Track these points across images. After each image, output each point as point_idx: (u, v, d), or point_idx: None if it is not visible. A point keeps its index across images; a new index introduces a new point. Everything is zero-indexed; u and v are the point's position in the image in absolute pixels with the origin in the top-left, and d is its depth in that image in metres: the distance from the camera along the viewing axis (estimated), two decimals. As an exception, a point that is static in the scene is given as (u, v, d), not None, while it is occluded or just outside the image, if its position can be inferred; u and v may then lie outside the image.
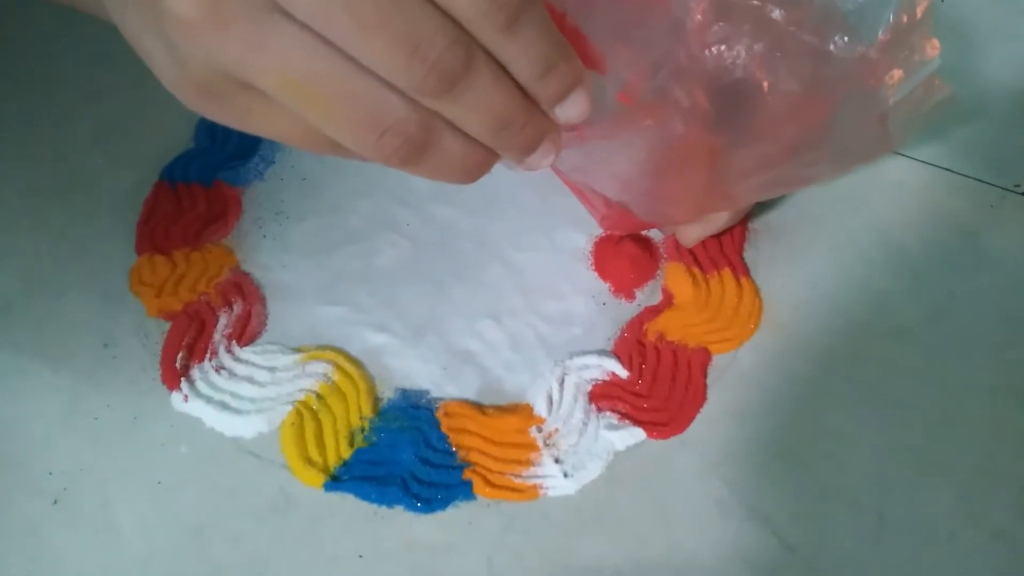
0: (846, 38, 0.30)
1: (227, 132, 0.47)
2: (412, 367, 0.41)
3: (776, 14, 0.30)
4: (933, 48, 0.32)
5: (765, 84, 0.30)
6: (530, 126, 0.25)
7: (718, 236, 0.44)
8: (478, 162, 0.26)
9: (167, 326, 0.41)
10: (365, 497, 0.37)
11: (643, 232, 0.45)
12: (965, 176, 0.48)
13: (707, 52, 0.30)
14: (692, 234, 0.42)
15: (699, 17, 0.29)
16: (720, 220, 0.42)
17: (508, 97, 0.24)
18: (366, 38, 0.21)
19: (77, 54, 0.52)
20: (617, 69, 0.28)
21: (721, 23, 0.29)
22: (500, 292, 0.43)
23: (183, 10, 0.21)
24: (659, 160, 0.33)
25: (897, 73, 0.32)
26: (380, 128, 0.23)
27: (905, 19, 0.31)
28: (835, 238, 0.45)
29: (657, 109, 0.30)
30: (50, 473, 0.37)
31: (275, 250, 0.44)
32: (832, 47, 0.30)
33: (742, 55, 0.30)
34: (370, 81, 0.22)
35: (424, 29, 0.21)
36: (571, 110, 0.26)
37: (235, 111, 0.25)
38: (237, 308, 0.41)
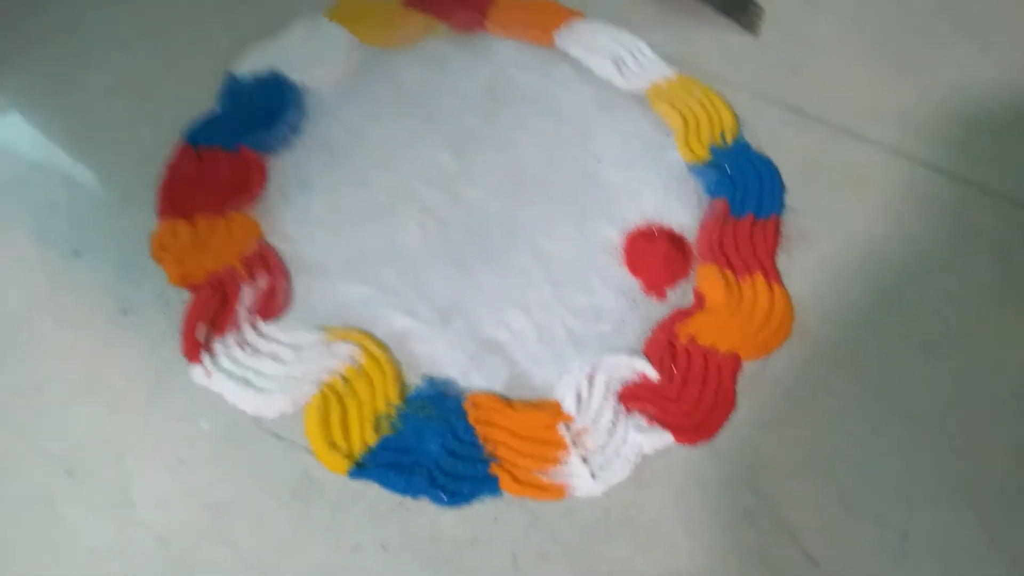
0: None
1: (252, 96, 0.46)
2: (439, 354, 0.39)
3: None
4: None
5: None
6: None
7: (752, 240, 0.44)
8: None
9: (188, 295, 0.39)
10: (390, 486, 0.36)
11: (675, 229, 0.44)
12: (998, 195, 0.47)
13: None
14: None
15: None
16: None
17: None
18: None
19: None
20: None
21: None
22: (529, 281, 0.42)
23: None
24: None
25: None
26: None
27: None
28: (867, 249, 0.45)
29: None
30: (65, 442, 0.35)
31: (301, 223, 0.42)
32: None
33: None
34: None
35: None
36: None
37: None
38: (262, 282, 0.40)
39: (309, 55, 0.48)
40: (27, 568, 0.33)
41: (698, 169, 0.47)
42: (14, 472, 0.35)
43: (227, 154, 0.43)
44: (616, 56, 0.51)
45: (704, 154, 0.47)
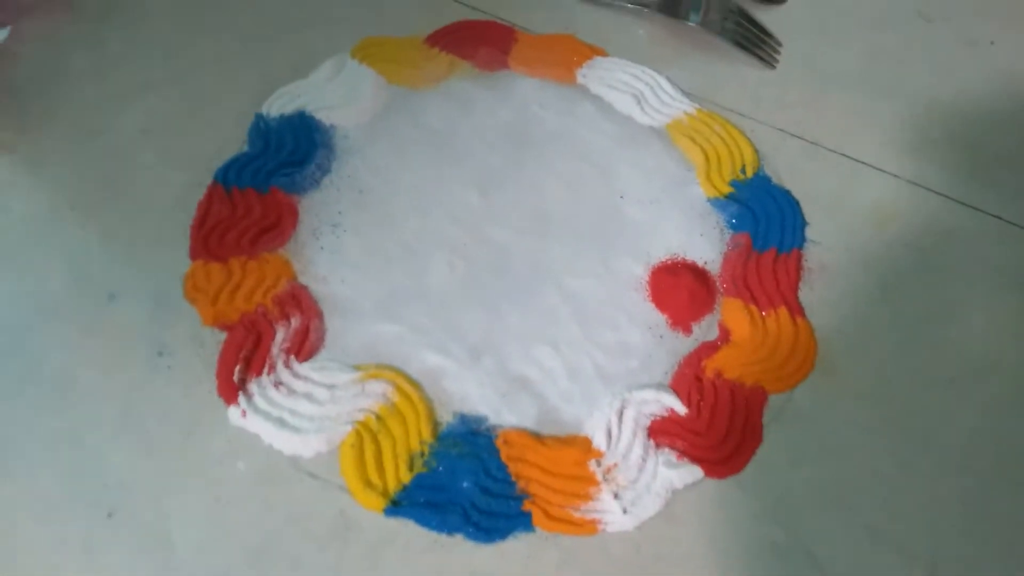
0: None
1: (281, 137, 0.47)
2: (470, 391, 0.40)
3: None
4: None
5: None
6: None
7: (774, 274, 0.45)
8: None
9: (223, 336, 0.40)
10: (426, 524, 0.36)
11: (699, 264, 0.45)
12: (1016, 226, 0.48)
13: None
14: None
15: None
16: None
17: None
18: None
19: (125, 42, 0.51)
20: None
21: None
22: (556, 319, 0.42)
23: None
24: None
25: None
26: None
27: None
28: (888, 281, 0.46)
29: None
30: (104, 485, 0.36)
31: (332, 263, 0.43)
32: None
33: None
34: None
35: None
36: None
37: None
38: (295, 322, 0.40)
39: (337, 95, 0.48)
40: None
41: (720, 203, 0.48)
42: (55, 518, 0.35)
43: (258, 195, 0.44)
44: (637, 92, 0.52)
45: (725, 188, 0.48)
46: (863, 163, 0.51)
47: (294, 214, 0.44)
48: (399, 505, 0.37)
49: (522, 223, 0.45)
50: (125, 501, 0.36)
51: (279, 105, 0.48)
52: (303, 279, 0.42)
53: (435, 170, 0.47)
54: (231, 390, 0.38)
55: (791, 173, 0.50)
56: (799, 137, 0.52)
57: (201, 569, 0.35)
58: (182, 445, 0.37)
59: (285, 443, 0.37)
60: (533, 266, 0.44)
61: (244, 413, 0.38)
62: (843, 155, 0.51)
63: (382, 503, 0.36)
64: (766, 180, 0.49)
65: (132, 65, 0.50)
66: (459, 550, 0.36)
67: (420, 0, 0.56)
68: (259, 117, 0.47)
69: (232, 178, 0.45)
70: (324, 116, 0.48)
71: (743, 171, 0.49)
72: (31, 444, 0.37)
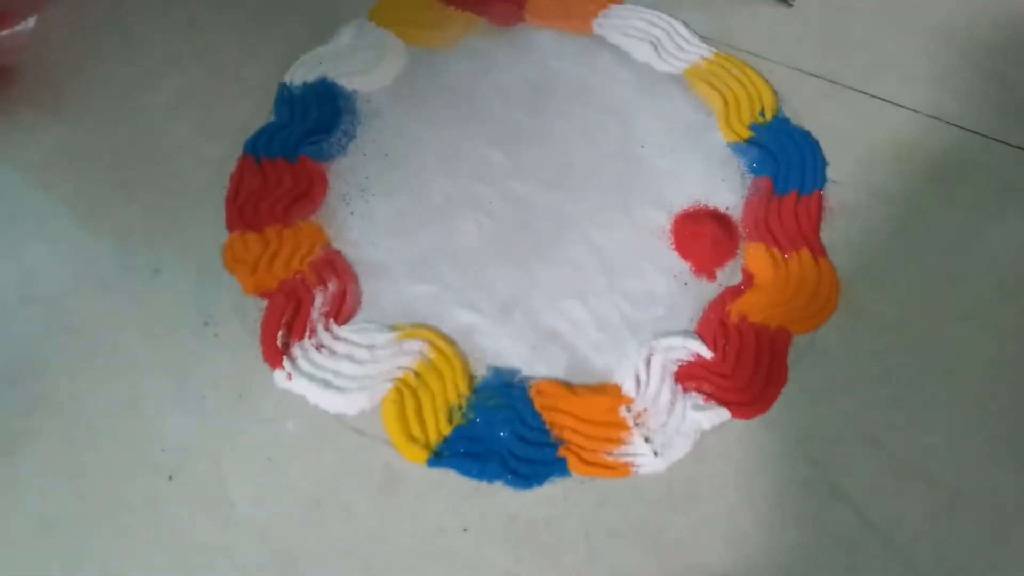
0: None
1: (305, 105, 0.48)
2: (502, 346, 0.42)
3: None
4: None
5: None
6: None
7: (796, 216, 0.45)
8: None
9: (264, 304, 0.42)
10: (467, 473, 0.38)
11: (721, 209, 0.46)
12: (1038, 155, 0.48)
13: None
14: None
15: None
16: None
17: None
18: None
19: (148, 21, 0.52)
20: None
21: None
22: (583, 271, 0.44)
23: None
24: None
25: None
26: None
27: None
28: (910, 217, 0.46)
29: None
30: (163, 450, 0.38)
31: (363, 228, 0.44)
32: None
33: None
34: None
35: None
36: None
37: None
38: (332, 287, 0.42)
39: (357, 60, 0.49)
40: (143, 571, 0.36)
41: (740, 148, 0.48)
42: (120, 482, 0.37)
43: (288, 164, 0.45)
44: (654, 39, 0.52)
45: (745, 132, 0.49)
46: (883, 100, 0.51)
47: (324, 181, 0.46)
48: (441, 456, 0.39)
49: (546, 178, 0.46)
50: (184, 464, 0.38)
51: (302, 73, 0.49)
52: (336, 244, 0.44)
53: (458, 129, 0.48)
54: (276, 355, 0.40)
55: (810, 113, 0.50)
56: (817, 76, 0.52)
57: (259, 522, 0.37)
58: (233, 409, 0.39)
59: (330, 402, 0.39)
60: (558, 220, 0.45)
61: (289, 376, 0.40)
62: (862, 92, 0.51)
63: (425, 455, 0.38)
64: (785, 122, 0.50)
65: (157, 43, 0.51)
66: (500, 496, 0.38)
67: (434, -42, 0.56)
68: (283, 86, 0.48)
69: (261, 148, 0.46)
70: (346, 82, 0.49)
71: (762, 114, 0.50)
72: (92, 414, 0.39)
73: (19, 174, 0.46)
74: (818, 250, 0.45)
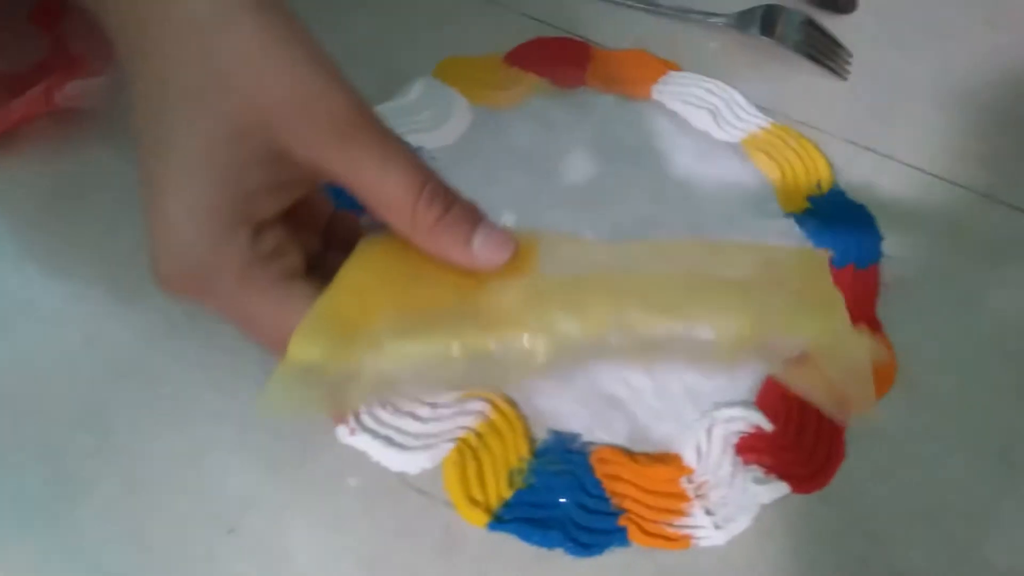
0: None
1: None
2: (562, 409, 0.42)
3: None
4: None
5: None
6: None
7: (853, 290, 0.46)
8: None
9: (327, 357, 0.42)
10: (527, 539, 0.38)
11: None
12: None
13: None
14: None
15: None
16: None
17: None
18: None
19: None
20: None
21: None
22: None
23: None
24: None
25: None
26: None
27: None
28: (965, 295, 0.47)
29: None
30: (225, 501, 0.38)
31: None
32: None
33: None
34: None
35: None
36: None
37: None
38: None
39: (423, 117, 0.50)
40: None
41: (798, 219, 0.49)
42: (180, 532, 0.37)
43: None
44: (712, 107, 0.53)
45: (803, 204, 0.49)
46: (937, 175, 0.52)
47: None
48: (502, 520, 0.38)
49: (614, 224, 0.47)
50: (245, 517, 0.38)
51: (370, 127, 0.49)
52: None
53: (522, 189, 0.48)
54: (339, 409, 0.40)
55: (865, 186, 0.51)
56: (871, 150, 0.53)
57: (320, 580, 0.37)
58: (297, 463, 0.39)
59: (392, 460, 0.39)
60: (618, 278, 0.45)
61: (352, 431, 0.40)
62: (916, 168, 0.52)
63: (486, 518, 0.38)
64: (841, 194, 0.50)
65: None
66: (559, 563, 0.38)
67: (495, 20, 0.57)
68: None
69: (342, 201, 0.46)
70: (412, 139, 0.49)
71: (819, 186, 0.50)
72: (156, 460, 0.39)
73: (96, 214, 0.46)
74: (875, 325, 0.45)
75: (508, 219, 0.47)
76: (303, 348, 0.30)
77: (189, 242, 0.29)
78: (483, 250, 0.31)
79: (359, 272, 0.33)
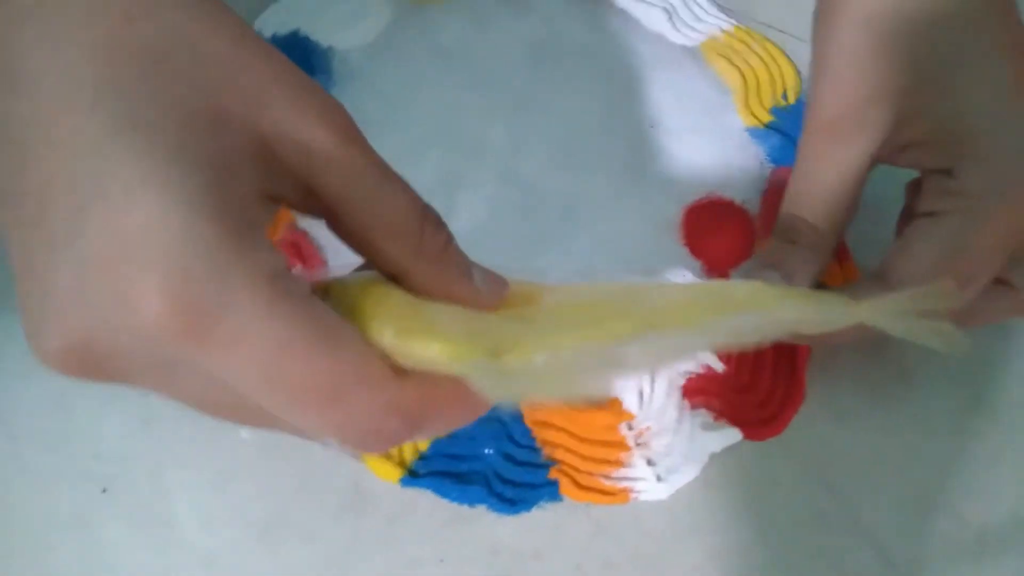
0: None
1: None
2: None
3: None
4: None
5: None
6: None
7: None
8: None
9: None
10: (445, 495, 0.34)
11: (736, 202, 0.42)
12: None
13: None
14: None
15: None
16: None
17: None
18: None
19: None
20: None
21: None
22: (588, 265, 0.39)
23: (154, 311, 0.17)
24: None
25: None
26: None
27: None
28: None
29: None
30: (97, 457, 0.33)
31: (337, 206, 0.39)
32: None
33: None
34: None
35: None
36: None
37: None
38: (296, 273, 0.37)
39: (335, 12, 0.44)
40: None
41: (759, 133, 0.44)
42: (46, 492, 0.33)
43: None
44: (668, 6, 0.47)
45: (765, 116, 0.44)
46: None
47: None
48: (416, 475, 0.34)
49: (550, 158, 0.41)
50: (120, 474, 0.34)
51: (271, 25, 0.43)
52: (302, 224, 0.38)
53: (451, 97, 0.42)
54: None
55: (836, 97, 0.46)
56: (845, 56, 0.47)
57: (208, 546, 0.33)
58: (179, 414, 0.33)
59: (292, 408, 0.35)
60: (563, 207, 0.40)
61: (246, 375, 0.35)
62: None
63: (398, 473, 0.34)
64: (809, 106, 0.45)
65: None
66: (481, 522, 0.34)
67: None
68: (251, 39, 0.43)
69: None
70: (321, 37, 0.43)
71: (784, 96, 0.45)
72: (17, 409, 0.35)
73: None
74: (842, 252, 0.40)
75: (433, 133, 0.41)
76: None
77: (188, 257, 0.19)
78: (485, 282, 0.25)
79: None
